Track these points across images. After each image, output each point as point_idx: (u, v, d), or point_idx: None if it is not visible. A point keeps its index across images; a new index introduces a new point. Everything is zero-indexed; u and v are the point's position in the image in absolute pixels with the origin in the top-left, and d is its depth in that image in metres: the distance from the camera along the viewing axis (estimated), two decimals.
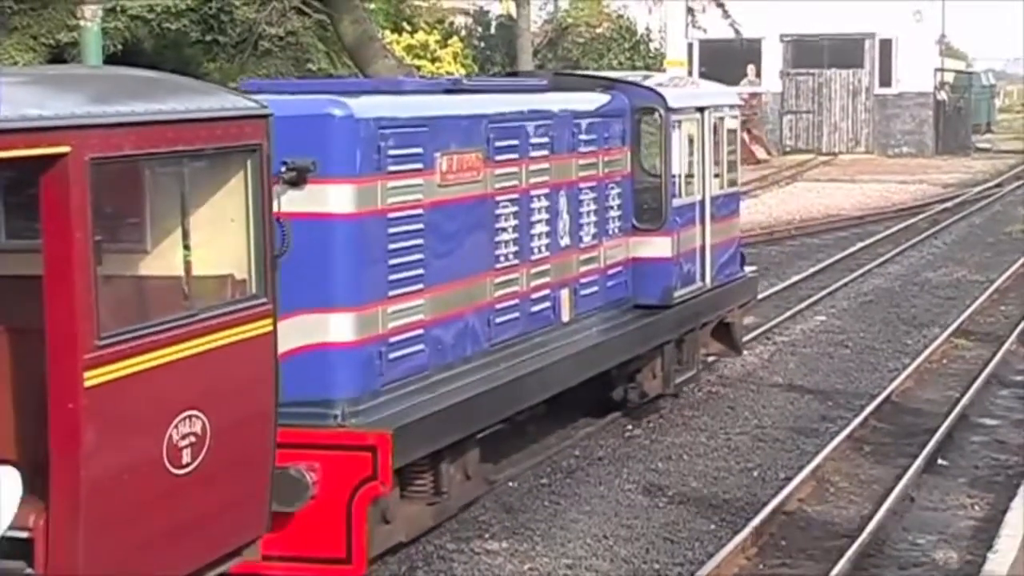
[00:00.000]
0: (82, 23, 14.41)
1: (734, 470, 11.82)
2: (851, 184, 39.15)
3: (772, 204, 33.24)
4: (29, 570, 6.28)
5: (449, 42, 35.78)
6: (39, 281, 6.26)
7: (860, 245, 26.11)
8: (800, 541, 10.13)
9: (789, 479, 11.34)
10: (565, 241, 11.46)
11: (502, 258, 10.47)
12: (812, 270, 22.94)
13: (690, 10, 45.55)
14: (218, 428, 6.90)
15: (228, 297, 7.25)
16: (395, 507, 9.07)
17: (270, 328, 7.35)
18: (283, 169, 8.32)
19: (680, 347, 13.44)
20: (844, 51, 51.97)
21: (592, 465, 11.90)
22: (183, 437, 6.69)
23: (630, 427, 13.00)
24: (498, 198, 10.39)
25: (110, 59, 20.39)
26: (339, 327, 8.75)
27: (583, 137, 11.82)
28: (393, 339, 9.12)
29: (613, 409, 13.05)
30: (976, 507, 10.90)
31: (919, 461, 11.72)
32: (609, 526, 10.33)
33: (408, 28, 34.73)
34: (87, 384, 6.18)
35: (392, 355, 9.11)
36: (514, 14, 37.07)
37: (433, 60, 33.89)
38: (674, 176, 12.97)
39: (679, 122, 13.03)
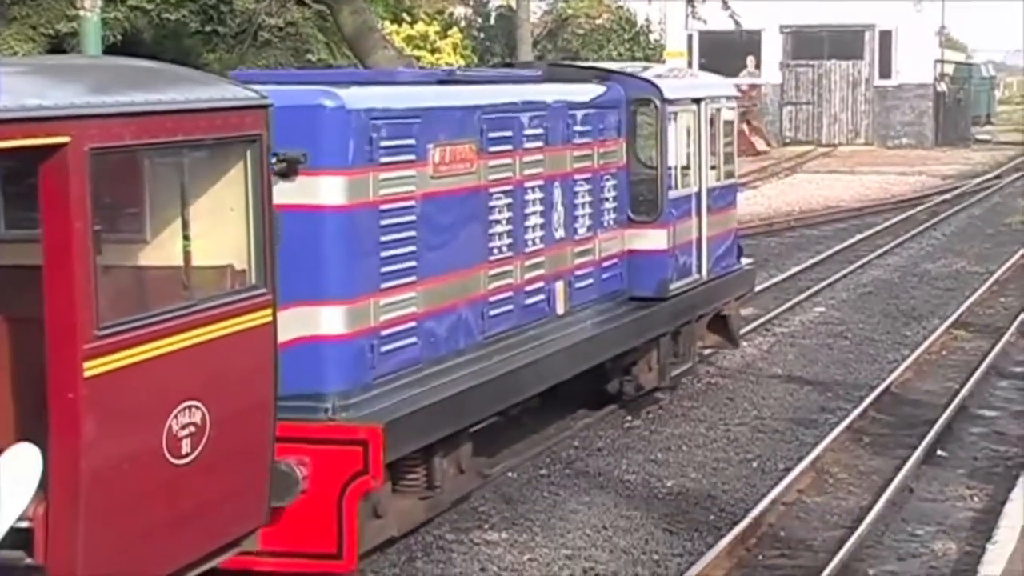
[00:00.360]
0: (81, 13, 14.37)
1: (733, 461, 11.83)
2: (850, 175, 39.16)
3: (771, 195, 33.24)
4: (29, 560, 6.28)
5: (449, 33, 35.74)
6: (39, 271, 6.25)
7: (859, 236, 26.10)
8: (799, 532, 10.13)
9: (788, 470, 11.34)
10: (560, 233, 11.41)
11: (496, 250, 10.42)
12: (811, 261, 22.94)
13: (690, 1, 45.50)
14: (218, 418, 6.90)
15: (228, 287, 7.25)
16: (387, 501, 8.99)
17: (270, 318, 7.35)
18: (274, 160, 8.25)
19: (676, 340, 13.41)
20: (844, 42, 51.96)
21: (591, 456, 11.90)
22: (183, 427, 6.69)
23: (629, 418, 13.00)
24: (492, 190, 10.33)
25: (109, 49, 20.36)
26: (330, 320, 8.68)
27: (578, 128, 11.76)
28: (385, 332, 9.06)
29: (609, 402, 13.02)
30: (975, 498, 10.91)
31: (918, 452, 11.72)
32: (608, 517, 10.34)
33: (408, 19, 34.70)
34: (87, 374, 6.18)
35: (384, 348, 9.04)
36: (514, 5, 37.03)
37: (433, 51, 33.85)
38: (670, 168, 12.91)
39: (675, 113, 12.97)
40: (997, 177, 38.68)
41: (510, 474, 11.31)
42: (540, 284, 11.10)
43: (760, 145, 45.77)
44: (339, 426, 8.50)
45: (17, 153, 6.11)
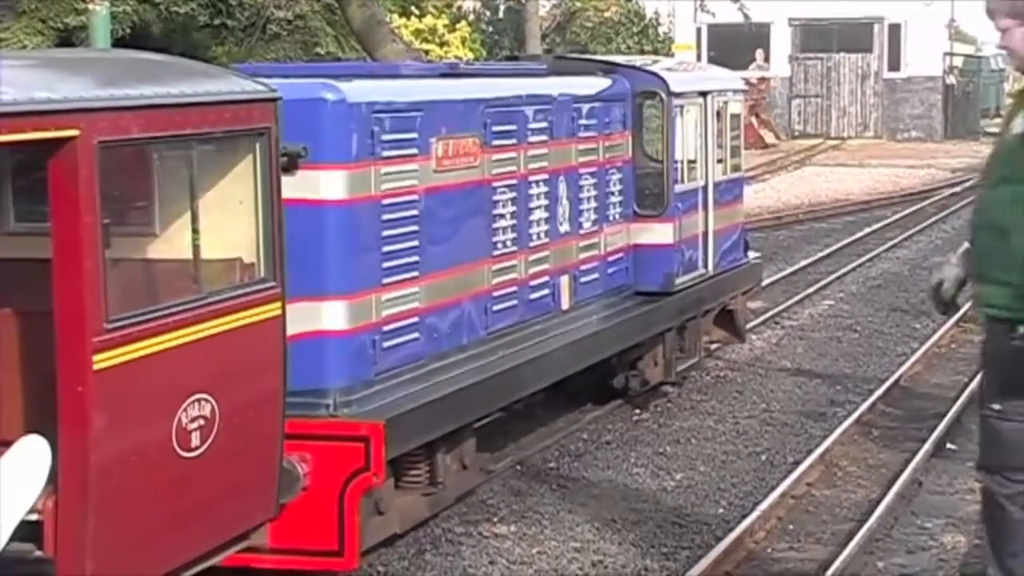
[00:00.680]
0: (90, 6, 14.40)
1: (742, 454, 11.82)
2: (859, 169, 39.11)
3: (780, 189, 33.21)
4: (38, 552, 6.30)
5: (457, 26, 35.77)
6: (48, 264, 6.26)
7: (868, 230, 26.08)
8: (808, 525, 10.13)
9: (797, 463, 11.33)
10: (564, 227, 11.36)
11: (500, 245, 10.36)
12: (820, 255, 22.92)
13: None
14: (227, 411, 6.91)
15: (236, 280, 7.25)
16: (389, 498, 8.95)
17: (279, 312, 7.35)
18: None
19: (682, 334, 13.38)
20: (853, 35, 51.89)
21: (600, 449, 11.90)
22: (192, 420, 6.70)
23: (638, 411, 13.00)
24: (495, 184, 10.28)
25: (118, 43, 20.39)
26: (332, 315, 8.61)
27: (583, 122, 11.72)
28: (387, 327, 9.00)
29: (614, 397, 12.99)
30: None
31: (927, 445, 11.71)
32: (617, 510, 10.34)
33: (416, 12, 34.73)
34: (96, 367, 6.19)
35: (386, 344, 8.99)
36: None
37: (441, 44, 33.87)
38: (676, 161, 12.86)
39: (681, 106, 12.93)
40: None
41: (518, 467, 11.32)
42: (544, 279, 11.06)
43: (769, 138, 45.73)
44: (340, 422, 8.44)
45: (26, 146, 6.12)
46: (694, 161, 13.32)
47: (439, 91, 9.98)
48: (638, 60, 14.16)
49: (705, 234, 13.48)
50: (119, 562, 6.39)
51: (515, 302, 10.59)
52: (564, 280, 11.39)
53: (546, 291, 11.10)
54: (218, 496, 7.02)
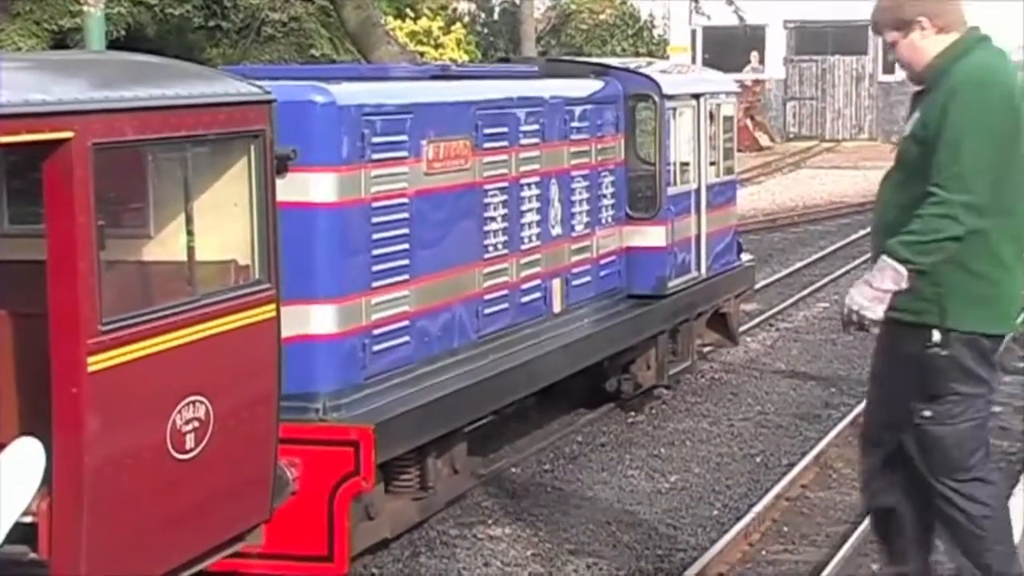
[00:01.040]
0: (85, 8, 14.38)
1: (737, 456, 11.83)
2: (854, 171, 39.11)
3: (775, 191, 33.23)
4: (32, 555, 6.29)
5: (452, 28, 35.76)
6: (42, 266, 6.26)
7: (863, 232, 26.05)
8: (803, 527, 10.13)
9: (792, 465, 11.34)
10: (556, 230, 11.34)
11: (491, 248, 10.34)
12: (815, 257, 22.94)
13: None
14: (221, 413, 6.90)
15: (231, 283, 7.25)
16: (379, 502, 8.93)
17: (273, 314, 7.35)
18: None
19: (675, 338, 13.37)
20: (848, 38, 51.91)
21: (595, 451, 11.91)
22: (187, 422, 6.70)
23: (632, 413, 13.00)
24: (487, 186, 10.26)
25: (113, 44, 20.37)
26: (321, 319, 8.59)
27: (575, 124, 11.70)
28: (377, 331, 8.98)
29: (606, 401, 12.97)
30: None
31: None
32: (612, 512, 10.34)
33: (411, 14, 34.71)
34: (90, 369, 6.18)
35: (376, 347, 8.96)
36: (517, 1, 37.05)
37: (436, 46, 33.87)
38: (669, 164, 12.86)
39: (674, 109, 12.92)
40: None
41: (513, 469, 11.32)
42: (536, 282, 11.03)
43: (763, 140, 45.75)
44: (330, 427, 8.41)
45: (21, 148, 6.12)
46: (687, 164, 13.32)
47: (430, 93, 9.96)
48: (631, 62, 14.16)
49: (698, 237, 13.48)
50: (114, 564, 6.38)
51: (506, 305, 10.56)
52: (556, 283, 11.36)
53: (538, 294, 11.07)
54: (212, 498, 7.02)
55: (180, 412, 6.66)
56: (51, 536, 6.24)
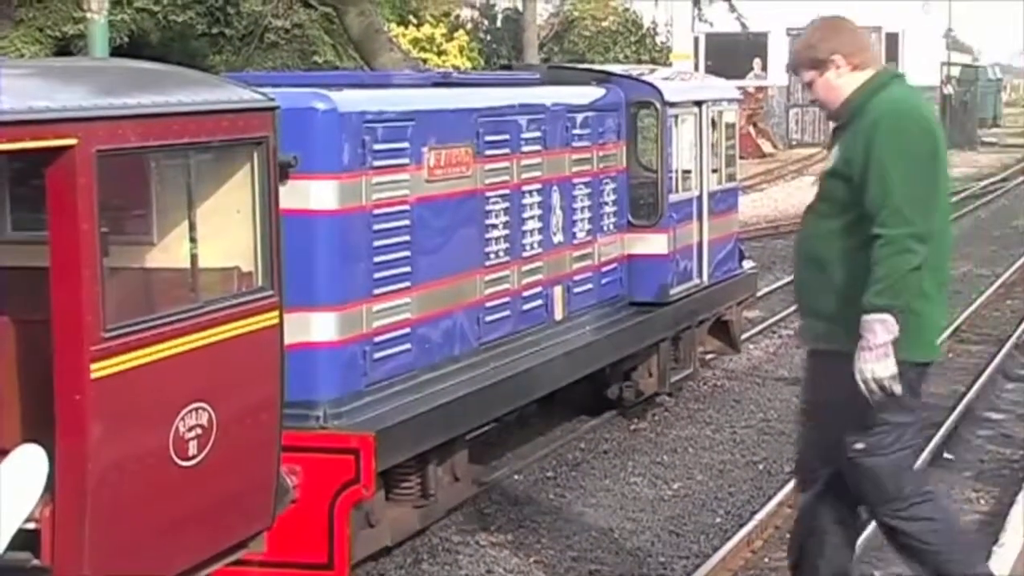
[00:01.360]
0: (88, 15, 14.40)
1: (740, 463, 11.82)
2: None
3: (778, 198, 33.24)
4: (35, 561, 6.29)
5: (455, 35, 35.76)
6: (46, 272, 6.26)
7: None
8: None
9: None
10: (558, 238, 11.33)
11: (492, 255, 10.33)
12: None
13: (696, 3, 45.48)
14: (224, 420, 6.91)
15: (234, 289, 7.25)
16: (380, 510, 8.91)
17: (276, 320, 7.35)
18: None
19: (676, 345, 13.36)
20: None
21: (597, 458, 11.91)
22: (189, 429, 6.70)
23: (635, 420, 13.00)
24: (488, 194, 10.25)
25: (116, 51, 20.40)
26: (322, 326, 8.57)
27: (577, 131, 11.69)
28: (378, 338, 8.96)
29: (608, 408, 12.96)
30: (982, 501, 10.90)
31: (925, 455, 11.70)
32: (615, 519, 10.34)
33: (414, 21, 34.73)
34: (94, 376, 6.19)
35: (377, 355, 8.95)
36: (520, 7, 37.06)
37: (439, 53, 33.87)
38: (671, 171, 12.85)
39: (676, 116, 12.91)
40: (1004, 180, 38.66)
41: (516, 476, 11.31)
42: (538, 289, 11.02)
43: (766, 147, 45.78)
44: (330, 434, 8.39)
45: (24, 155, 6.12)
46: (689, 171, 13.31)
47: (431, 100, 9.95)
48: (633, 70, 14.17)
49: (700, 244, 13.46)
50: (116, 570, 6.38)
51: (508, 313, 10.55)
52: (557, 290, 11.35)
53: (539, 301, 11.06)
54: (215, 505, 7.02)
55: (183, 419, 6.67)
56: (54, 542, 6.25)
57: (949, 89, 53.69)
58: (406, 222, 9.23)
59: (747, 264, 15.17)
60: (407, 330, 9.26)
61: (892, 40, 51.71)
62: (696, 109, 13.37)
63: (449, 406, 9.34)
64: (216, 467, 6.88)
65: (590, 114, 11.99)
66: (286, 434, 7.72)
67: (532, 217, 10.92)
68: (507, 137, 10.53)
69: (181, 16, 25.31)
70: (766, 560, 9.63)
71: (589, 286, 11.94)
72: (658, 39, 47.21)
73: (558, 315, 11.38)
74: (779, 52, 51.84)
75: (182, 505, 6.76)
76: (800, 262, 6.88)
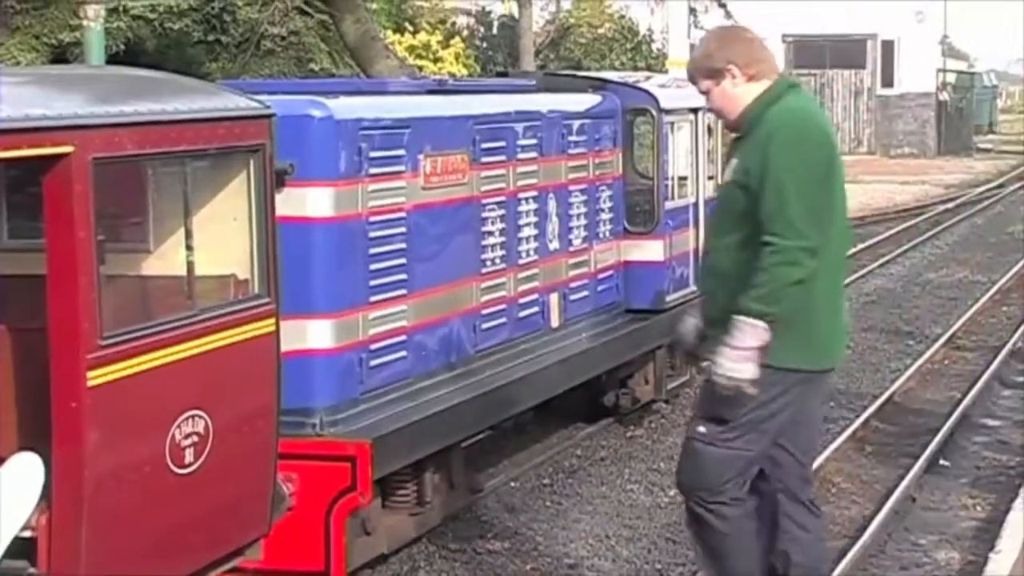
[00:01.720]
0: (84, 23, 14.41)
1: None
2: (853, 184, 39.03)
3: None
4: (32, 569, 6.29)
5: (451, 42, 35.77)
6: (42, 280, 6.26)
7: (862, 246, 26.11)
8: None
9: None
10: (554, 245, 11.33)
11: (488, 262, 10.31)
12: None
13: (692, 11, 45.58)
14: (221, 428, 6.91)
15: (231, 297, 7.25)
16: (376, 518, 8.90)
17: (273, 328, 7.36)
18: None
19: (673, 352, 13.35)
20: (846, 52, 52.04)
21: (594, 465, 11.90)
22: (186, 437, 6.70)
23: (631, 427, 13.00)
24: (484, 201, 10.24)
25: (112, 59, 20.40)
26: (318, 334, 8.56)
27: (573, 139, 11.68)
28: (374, 346, 8.95)
29: (604, 415, 12.95)
30: (978, 507, 10.91)
31: (921, 461, 11.72)
32: (611, 526, 10.34)
33: (410, 28, 34.74)
34: (90, 384, 6.19)
35: (373, 362, 8.93)
36: (516, 14, 37.07)
37: (435, 60, 33.89)
38: (667, 178, 12.83)
39: (672, 123, 12.91)
40: (999, 186, 38.72)
41: (512, 483, 11.31)
42: (534, 296, 11.01)
43: None
44: (327, 442, 8.38)
45: (21, 163, 6.13)
46: (685, 178, 13.30)
47: (427, 108, 9.94)
48: (630, 76, 14.16)
49: (696, 251, 13.44)
50: None
51: (504, 320, 10.54)
52: (553, 298, 11.34)
53: (535, 309, 11.05)
54: (212, 512, 7.02)
55: (179, 426, 6.67)
56: (50, 550, 6.25)
57: (945, 96, 53.77)
58: (402, 229, 9.22)
59: None
60: (403, 337, 9.25)
61: (888, 47, 51.80)
62: (692, 116, 13.37)
63: (445, 413, 9.33)
64: (213, 475, 6.88)
65: (586, 121, 11.98)
66: (282, 442, 7.70)
67: (528, 224, 10.91)
68: (503, 144, 10.53)
69: (177, 24, 25.29)
70: None
71: (585, 293, 11.93)
72: (654, 46, 47.20)
73: (554, 322, 11.36)
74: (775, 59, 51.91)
75: (179, 513, 6.76)
76: (704, 275, 6.95)
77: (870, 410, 13.45)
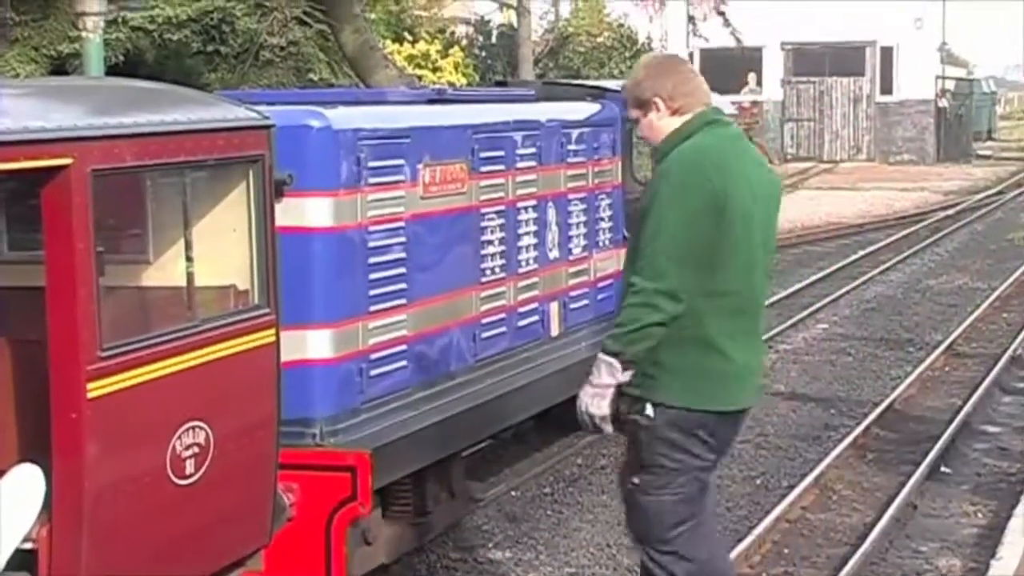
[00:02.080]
0: (83, 34, 14.43)
1: (737, 478, 11.82)
2: (852, 192, 39.20)
3: None
4: None
5: (450, 51, 35.79)
6: (42, 292, 6.27)
7: (862, 253, 26.12)
8: (803, 549, 10.13)
9: (792, 487, 11.34)
10: (554, 253, 11.32)
11: (488, 271, 10.30)
12: (814, 278, 22.95)
13: (691, 19, 45.63)
14: (221, 438, 6.91)
15: (231, 308, 7.25)
16: (377, 528, 8.90)
17: (273, 338, 7.36)
18: None
19: None
20: (845, 59, 52.04)
21: (595, 474, 11.90)
22: (186, 448, 6.70)
23: None
24: (483, 210, 10.22)
25: (112, 70, 20.41)
26: (317, 344, 8.54)
27: (572, 147, 11.67)
28: (374, 356, 8.93)
29: None
30: (979, 514, 10.91)
31: (922, 468, 11.72)
32: (612, 535, 10.33)
33: (409, 38, 34.77)
34: (90, 395, 6.19)
35: (373, 372, 8.92)
36: (515, 23, 37.12)
37: (434, 70, 33.90)
38: None
39: None
40: (999, 193, 38.70)
41: (513, 492, 11.31)
42: (534, 305, 11.00)
43: None
44: (327, 452, 8.36)
45: (20, 174, 6.13)
46: None
47: (426, 117, 9.93)
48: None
49: None
50: None
51: (504, 329, 10.52)
52: (553, 307, 11.34)
53: (535, 318, 11.04)
54: (212, 523, 7.02)
55: (180, 438, 6.67)
56: (51, 562, 6.24)
57: (944, 103, 53.77)
58: (402, 239, 9.21)
59: None
60: (403, 347, 9.24)
61: (887, 54, 51.80)
62: None
63: (446, 423, 9.32)
64: (213, 485, 6.87)
65: (585, 130, 11.98)
66: (282, 452, 7.69)
67: (528, 233, 10.90)
68: (502, 153, 10.52)
69: (176, 34, 25.30)
70: (764, 575, 9.63)
71: (585, 302, 11.92)
72: None
73: (554, 331, 11.36)
74: (774, 66, 51.97)
75: (179, 524, 6.76)
76: (619, 302, 6.90)
77: (871, 417, 13.46)
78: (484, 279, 10.27)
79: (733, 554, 9.61)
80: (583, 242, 11.87)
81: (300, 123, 8.54)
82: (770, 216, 6.84)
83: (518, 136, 10.79)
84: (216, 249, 7.22)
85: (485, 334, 10.27)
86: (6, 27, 24.04)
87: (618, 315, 6.72)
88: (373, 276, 8.95)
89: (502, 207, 10.51)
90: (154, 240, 7.24)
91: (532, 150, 10.98)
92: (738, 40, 42.24)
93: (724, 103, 15.66)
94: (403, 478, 9.06)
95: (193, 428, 6.74)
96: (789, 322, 18.76)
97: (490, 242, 10.35)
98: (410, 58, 33.45)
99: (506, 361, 10.53)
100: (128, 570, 6.47)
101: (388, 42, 31.71)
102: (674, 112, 6.72)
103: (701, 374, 6.59)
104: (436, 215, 9.62)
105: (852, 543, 10.11)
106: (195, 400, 6.80)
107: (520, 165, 10.78)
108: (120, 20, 24.01)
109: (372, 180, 8.93)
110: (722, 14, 42.53)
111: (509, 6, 39.37)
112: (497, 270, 10.43)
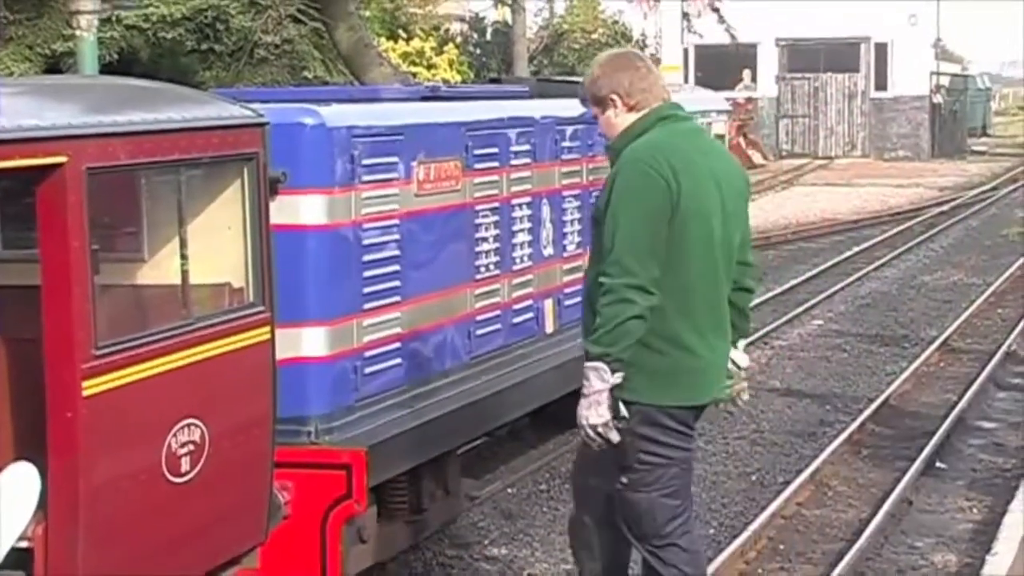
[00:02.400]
0: (78, 33, 14.41)
1: (732, 475, 11.83)
2: (847, 188, 39.22)
3: (768, 208, 33.27)
4: None
5: (445, 49, 35.77)
6: (37, 291, 6.26)
7: (857, 249, 26.13)
8: (799, 545, 10.14)
9: (787, 483, 11.35)
10: (548, 251, 11.30)
11: (482, 268, 10.29)
12: (809, 274, 22.96)
13: (685, 15, 45.66)
14: (217, 436, 6.91)
15: (226, 305, 7.25)
16: (372, 526, 8.88)
17: (268, 336, 7.35)
18: None
19: None
20: (840, 55, 52.09)
21: None
22: (182, 445, 6.70)
23: None
24: (478, 207, 10.21)
25: (106, 68, 20.39)
26: (311, 342, 8.53)
27: (566, 144, 11.66)
28: (369, 353, 8.92)
29: None
30: (974, 510, 10.92)
31: (917, 464, 11.73)
32: None
33: (404, 35, 34.75)
34: (85, 393, 6.19)
35: (368, 370, 8.91)
36: (510, 21, 37.12)
37: (429, 67, 33.88)
38: None
39: None
40: (993, 188, 38.73)
41: (509, 490, 11.31)
42: (528, 302, 10.99)
43: (756, 158, 45.83)
44: (322, 450, 8.36)
45: (14, 173, 6.13)
46: None
47: (420, 115, 9.92)
48: None
49: None
50: None
51: (498, 326, 10.52)
52: (548, 303, 11.33)
53: (530, 315, 11.03)
54: (208, 521, 7.02)
55: (175, 435, 6.67)
56: (46, 561, 6.24)
57: (938, 99, 53.82)
58: (396, 236, 9.20)
59: None
60: (398, 344, 9.23)
61: (881, 50, 51.85)
62: None
63: (441, 420, 9.32)
64: (209, 483, 6.87)
65: (579, 126, 11.96)
66: (278, 450, 7.68)
67: (522, 230, 10.90)
68: (496, 150, 10.52)
69: (171, 33, 25.27)
70: (760, 571, 9.64)
71: (580, 299, 11.88)
72: (647, 51, 47.25)
73: (549, 328, 11.35)
74: (768, 63, 52.00)
75: (175, 522, 6.76)
76: (583, 306, 6.96)
77: (866, 413, 13.47)
78: (479, 276, 10.26)
79: (728, 551, 9.64)
80: (577, 239, 11.86)
81: (294, 121, 8.53)
82: (737, 209, 6.88)
83: (512, 133, 10.78)
84: (211, 247, 7.22)
85: (480, 331, 10.26)
86: (0, 26, 24.03)
87: (585, 320, 6.71)
88: (367, 274, 8.94)
89: (496, 204, 10.50)
90: (149, 238, 7.23)
91: (526, 147, 10.98)
92: (732, 36, 42.27)
93: (719, 99, 15.72)
94: (398, 476, 9.05)
95: (188, 426, 6.74)
96: (784, 318, 18.78)
97: (484, 239, 10.34)
98: (405, 55, 33.43)
99: (501, 358, 10.53)
100: (124, 568, 6.47)
101: (383, 40, 31.70)
102: (631, 108, 6.74)
103: (669, 371, 6.63)
104: (430, 212, 9.61)
105: (847, 539, 10.12)
106: (190, 398, 6.80)
107: (514, 162, 10.78)
108: (114, 18, 23.98)
109: (366, 178, 8.92)
110: (716, 11, 42.57)
111: (504, 3, 39.38)
112: (492, 267, 10.42)
